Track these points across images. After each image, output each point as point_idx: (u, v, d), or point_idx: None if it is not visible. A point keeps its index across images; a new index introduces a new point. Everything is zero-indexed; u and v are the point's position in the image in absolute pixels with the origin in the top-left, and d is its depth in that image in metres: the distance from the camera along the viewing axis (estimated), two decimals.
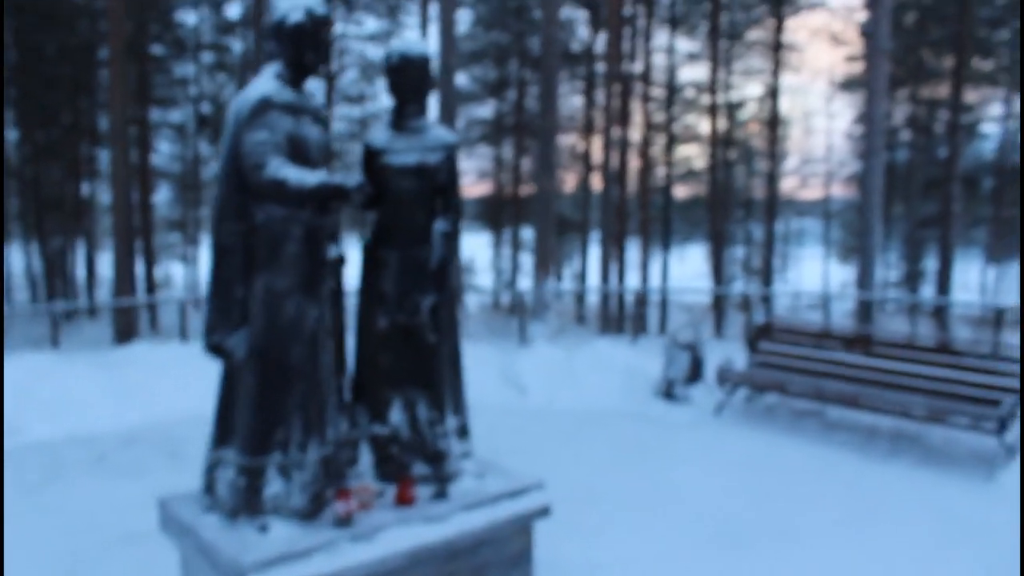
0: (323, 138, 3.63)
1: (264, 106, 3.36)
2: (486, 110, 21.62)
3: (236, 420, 3.47)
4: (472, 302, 18.62)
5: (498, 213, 21.30)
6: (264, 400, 3.42)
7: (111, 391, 7.56)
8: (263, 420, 3.42)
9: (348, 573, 3.25)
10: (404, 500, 3.66)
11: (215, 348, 3.50)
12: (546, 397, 9.09)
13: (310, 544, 3.26)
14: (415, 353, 3.89)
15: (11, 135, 17.11)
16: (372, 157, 3.91)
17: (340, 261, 3.73)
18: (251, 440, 3.41)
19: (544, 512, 3.95)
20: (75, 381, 7.68)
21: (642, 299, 13.94)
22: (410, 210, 3.88)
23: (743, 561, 4.61)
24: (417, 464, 3.90)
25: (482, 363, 9.86)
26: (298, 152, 3.46)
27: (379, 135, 3.94)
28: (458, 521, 3.64)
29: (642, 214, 19.02)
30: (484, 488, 3.90)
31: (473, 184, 21.67)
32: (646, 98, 18.69)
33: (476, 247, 21.29)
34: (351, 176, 3.62)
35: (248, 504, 3.41)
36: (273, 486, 3.44)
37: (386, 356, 3.90)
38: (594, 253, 19.82)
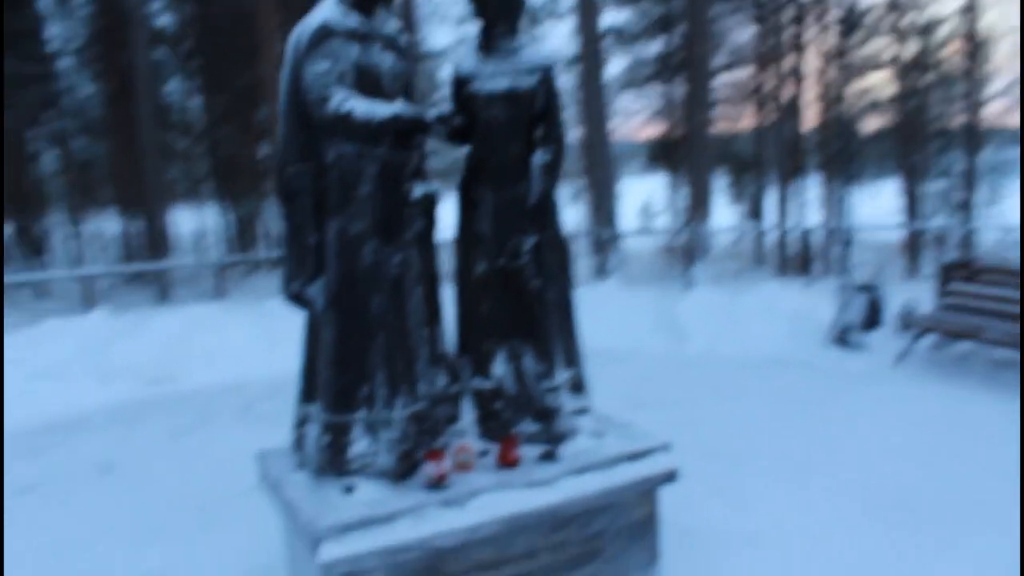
0: (399, 67, 3.26)
1: (324, 34, 3.03)
2: (654, 47, 20.58)
3: (319, 374, 3.22)
4: (644, 245, 17.94)
5: (671, 153, 20.33)
6: (344, 353, 3.14)
7: (264, 341, 7.74)
8: (345, 375, 3.15)
9: (437, 539, 2.94)
10: (507, 461, 3.30)
11: (295, 298, 3.26)
12: (706, 344, 8.45)
13: (395, 508, 2.97)
14: (517, 300, 3.48)
15: (196, 102, 18.19)
16: (460, 85, 3.50)
17: (429, 201, 3.37)
18: (334, 396, 3.16)
19: (670, 477, 3.46)
20: (233, 331, 7.93)
21: (823, 238, 12.78)
22: (503, 142, 3.45)
23: (920, 543, 3.87)
24: (524, 421, 3.52)
25: (640, 308, 9.35)
26: (368, 83, 3.11)
27: (466, 60, 3.53)
28: (567, 486, 3.23)
29: (823, 150, 17.47)
30: (600, 449, 3.46)
31: (645, 125, 20.79)
32: (823, 25, 16.99)
33: (653, 188, 20.57)
34: (432, 107, 3.24)
35: (333, 463, 3.17)
36: (359, 444, 3.18)
37: (486, 304, 3.52)
38: (772, 193, 18.53)
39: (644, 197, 19.45)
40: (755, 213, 20.74)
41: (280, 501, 3.20)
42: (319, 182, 3.17)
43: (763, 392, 6.56)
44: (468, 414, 3.60)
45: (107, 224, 18.28)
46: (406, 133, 3.16)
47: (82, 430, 6.20)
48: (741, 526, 4.09)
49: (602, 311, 9.11)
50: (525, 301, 3.47)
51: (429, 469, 3.10)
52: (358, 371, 3.15)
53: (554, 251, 3.55)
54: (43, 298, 14.07)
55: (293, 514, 3.04)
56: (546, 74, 3.46)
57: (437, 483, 3.11)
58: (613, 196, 11.28)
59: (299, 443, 3.33)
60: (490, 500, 3.09)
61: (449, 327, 3.61)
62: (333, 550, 2.81)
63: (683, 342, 8.54)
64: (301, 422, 3.33)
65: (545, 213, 3.45)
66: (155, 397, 6.93)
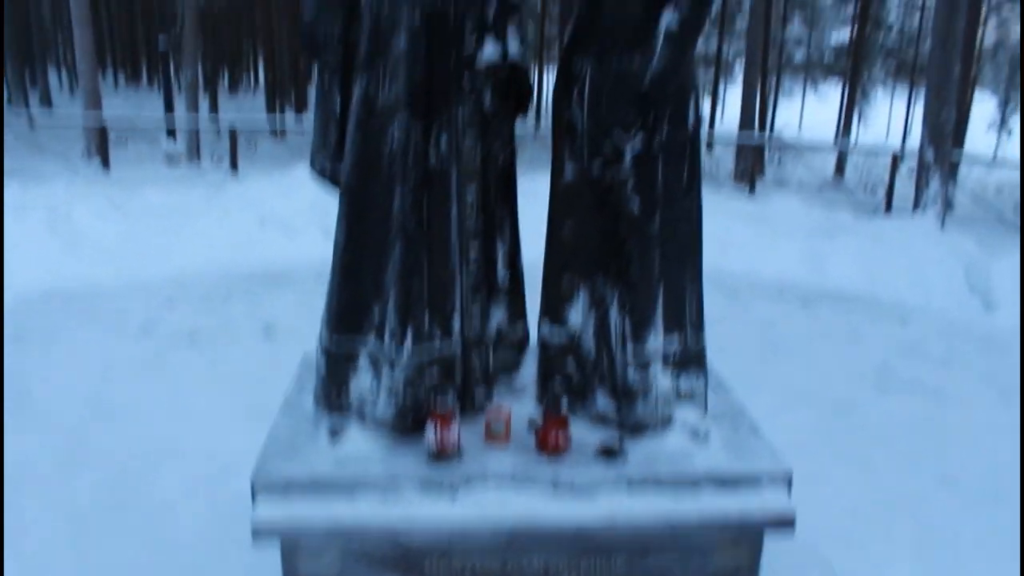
0: None
1: None
2: None
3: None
4: (995, 177, 14.62)
5: None
6: (352, 261, 2.43)
7: None
8: (351, 289, 2.45)
9: (406, 532, 2.22)
10: (545, 446, 2.42)
11: (321, 173, 2.58)
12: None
13: (362, 474, 2.28)
14: (611, 225, 2.47)
15: None
16: None
17: (506, 69, 2.44)
18: (335, 313, 2.48)
19: (781, 524, 2.35)
20: None
21: None
22: None
23: None
24: (599, 394, 2.58)
25: (948, 257, 7.42)
26: None
27: None
28: (609, 501, 2.29)
29: None
30: (689, 459, 2.44)
31: None
32: None
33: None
34: None
35: (328, 397, 2.54)
36: (362, 380, 2.50)
37: (570, 225, 2.55)
38: None
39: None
40: None
41: (272, 425, 2.65)
42: (350, 31, 2.40)
43: None
44: (532, 367, 2.75)
45: None
46: None
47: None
48: None
49: (898, 252, 7.40)
50: (622, 229, 2.45)
51: (429, 435, 2.35)
52: (370, 286, 2.43)
53: (676, 161, 2.46)
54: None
55: (266, 446, 2.47)
56: None
57: (437, 455, 2.35)
58: (951, 104, 8.93)
59: None
60: (491, 496, 2.26)
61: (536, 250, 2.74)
62: (268, 510, 2.22)
63: (990, 311, 6.61)
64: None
65: (666, 102, 2.36)
66: None
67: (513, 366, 2.76)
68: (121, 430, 3.85)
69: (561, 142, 2.54)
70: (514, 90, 2.54)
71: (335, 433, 2.45)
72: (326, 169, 2.54)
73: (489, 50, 2.39)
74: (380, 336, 2.44)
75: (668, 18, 2.29)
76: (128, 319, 5.51)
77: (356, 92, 2.36)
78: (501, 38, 2.43)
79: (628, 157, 2.38)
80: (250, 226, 7.06)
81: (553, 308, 2.62)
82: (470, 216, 2.46)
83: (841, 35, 28.79)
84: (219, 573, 2.80)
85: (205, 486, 3.33)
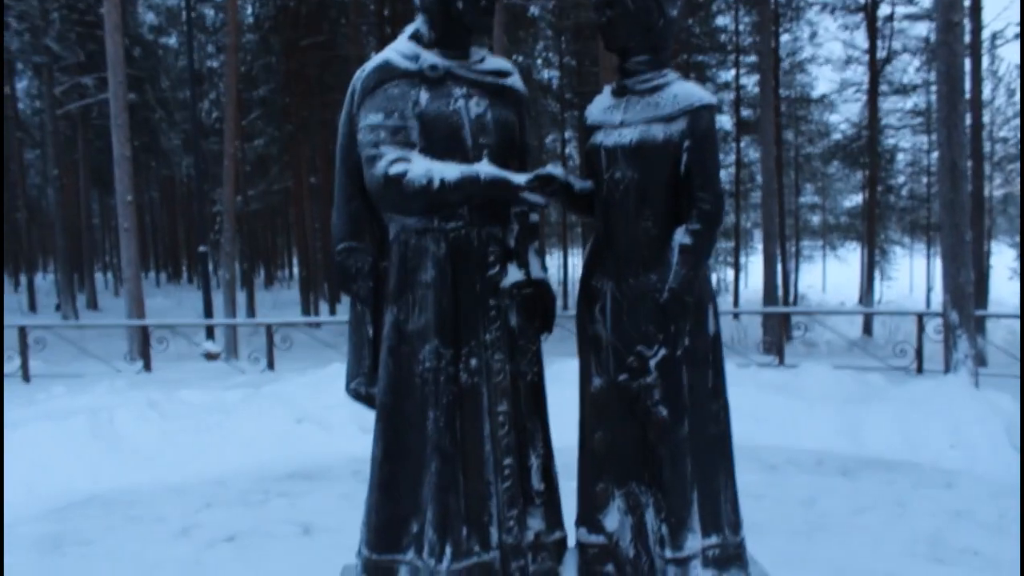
0: (495, 115, 2.57)
1: (383, 76, 2.45)
2: None
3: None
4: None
5: None
6: (390, 479, 2.52)
7: None
8: (390, 506, 2.53)
9: None
10: None
11: (356, 396, 2.71)
12: None
13: None
14: (641, 432, 2.57)
15: None
16: (588, 136, 2.69)
17: (523, 288, 2.62)
18: (375, 529, 2.55)
19: None
20: None
21: None
22: (629, 214, 2.56)
23: None
24: None
25: (987, 415, 7.31)
26: (442, 137, 2.47)
27: (597, 102, 2.71)
28: None
29: None
30: None
31: None
32: None
33: None
34: (551, 166, 2.50)
35: None
36: None
37: (601, 433, 2.64)
38: None
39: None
40: None
41: None
42: (380, 262, 2.61)
43: None
44: (572, 572, 2.75)
45: None
46: (488, 202, 2.47)
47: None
48: None
49: (935, 414, 7.32)
50: (650, 435, 2.54)
51: None
52: (408, 503, 2.51)
53: (700, 367, 2.57)
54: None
55: None
56: (698, 120, 2.48)
57: None
58: (968, 265, 9.08)
59: None
60: None
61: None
62: None
63: None
64: None
65: (685, 315, 2.51)
66: None
67: (553, 572, 2.76)
68: None
69: (587, 355, 2.68)
70: (539, 308, 2.70)
71: None
72: (361, 392, 2.68)
73: (512, 273, 2.58)
74: (419, 550, 2.49)
75: (680, 236, 2.49)
76: (167, 522, 5.54)
77: (387, 319, 2.54)
78: (523, 260, 2.63)
79: (653, 366, 2.50)
80: (287, 423, 7.19)
81: (589, 515, 2.66)
82: (503, 431, 2.56)
83: (854, 199, 29.77)
84: None
85: None
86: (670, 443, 2.50)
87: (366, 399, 2.68)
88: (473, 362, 2.50)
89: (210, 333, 13.75)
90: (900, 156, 27.88)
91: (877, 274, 23.76)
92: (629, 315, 2.54)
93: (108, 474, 6.46)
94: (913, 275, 32.63)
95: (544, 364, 2.77)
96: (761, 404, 7.35)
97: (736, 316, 18.96)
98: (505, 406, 2.57)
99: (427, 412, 2.47)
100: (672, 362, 2.51)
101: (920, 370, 9.87)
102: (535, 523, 2.69)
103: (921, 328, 10.22)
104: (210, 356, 13.03)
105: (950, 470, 6.58)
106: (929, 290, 22.45)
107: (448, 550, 2.43)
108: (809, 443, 7.20)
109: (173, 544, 5.16)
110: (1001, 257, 23.66)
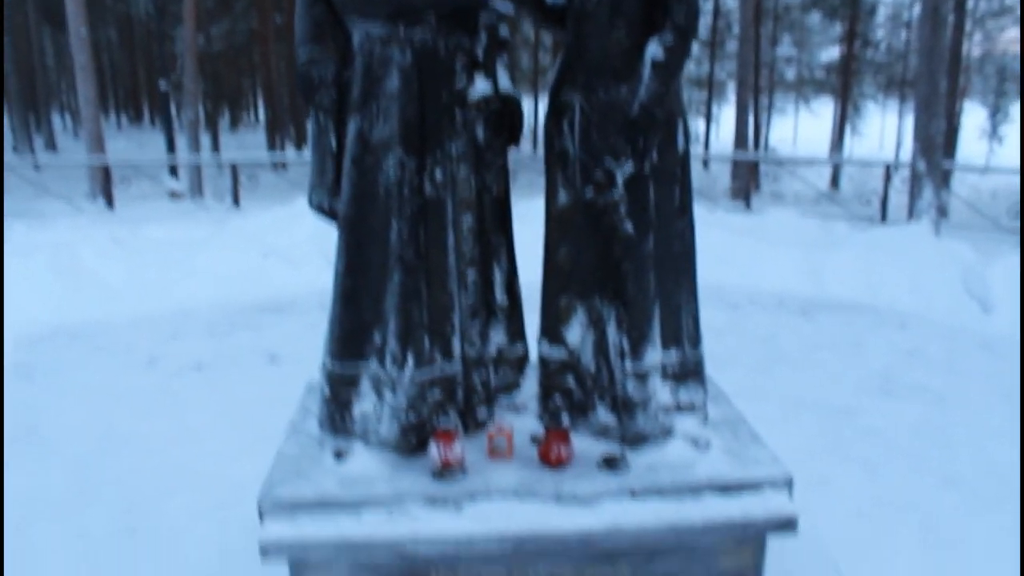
0: None
1: None
2: None
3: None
4: (990, 183, 14.70)
5: None
6: (353, 289, 2.50)
7: None
8: (352, 315, 2.53)
9: (414, 545, 2.26)
10: (547, 459, 2.48)
11: (319, 210, 2.65)
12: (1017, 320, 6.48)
13: (368, 493, 2.33)
14: (605, 248, 2.55)
15: None
16: None
17: (498, 103, 2.53)
18: (338, 339, 2.55)
19: (784, 526, 2.39)
20: None
21: None
22: (602, 24, 2.43)
23: None
24: (599, 409, 2.64)
25: (944, 263, 7.46)
26: None
27: None
28: (613, 510, 2.34)
29: None
30: (690, 467, 2.49)
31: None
32: None
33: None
34: None
35: (332, 420, 2.60)
36: (365, 403, 2.56)
37: (565, 248, 2.62)
38: None
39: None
40: None
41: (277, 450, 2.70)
42: (343, 72, 2.49)
43: None
44: (533, 385, 2.80)
45: None
46: (455, 10, 2.34)
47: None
48: None
49: (895, 260, 7.46)
50: (617, 251, 2.52)
51: (432, 452, 2.40)
52: (370, 312, 2.50)
53: (667, 184, 2.53)
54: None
55: (272, 468, 2.52)
56: None
57: (441, 471, 2.40)
58: (940, 116, 9.01)
59: None
60: (497, 508, 2.32)
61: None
62: (275, 529, 2.27)
63: (988, 314, 6.64)
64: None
65: (655, 129, 2.43)
66: None
67: (514, 385, 2.82)
68: (131, 459, 3.91)
69: (554, 170, 2.61)
70: (506, 122, 2.62)
71: (340, 454, 2.51)
72: (324, 204, 2.61)
73: (480, 85, 2.47)
74: (382, 360, 2.50)
75: (653, 48, 2.38)
76: (134, 353, 5.58)
77: (351, 130, 2.45)
78: (491, 73, 2.52)
79: (620, 182, 2.45)
80: (253, 258, 7.14)
81: (552, 328, 2.68)
82: (467, 243, 2.53)
83: (831, 53, 29.13)
84: None
85: (215, 510, 3.38)
86: (634, 259, 2.49)
87: (329, 213, 2.62)
88: (438, 173, 2.43)
89: (174, 172, 13.41)
90: (881, 10, 27.13)
91: (848, 129, 23.61)
92: (598, 129, 2.46)
93: (73, 308, 6.44)
94: (884, 133, 32.51)
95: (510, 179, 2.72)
96: (726, 246, 7.43)
97: (706, 164, 18.84)
98: (470, 219, 2.54)
99: (391, 223, 2.42)
100: (639, 178, 2.46)
101: (884, 218, 9.97)
102: (497, 337, 2.72)
103: (888, 178, 10.25)
104: (174, 195, 12.77)
105: (906, 313, 6.78)
106: (899, 146, 22.43)
107: (410, 359, 2.45)
108: (771, 284, 7.34)
109: (141, 373, 5.22)
110: (973, 116, 23.56)
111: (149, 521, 3.34)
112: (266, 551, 2.24)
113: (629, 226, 2.48)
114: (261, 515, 2.29)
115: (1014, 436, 4.29)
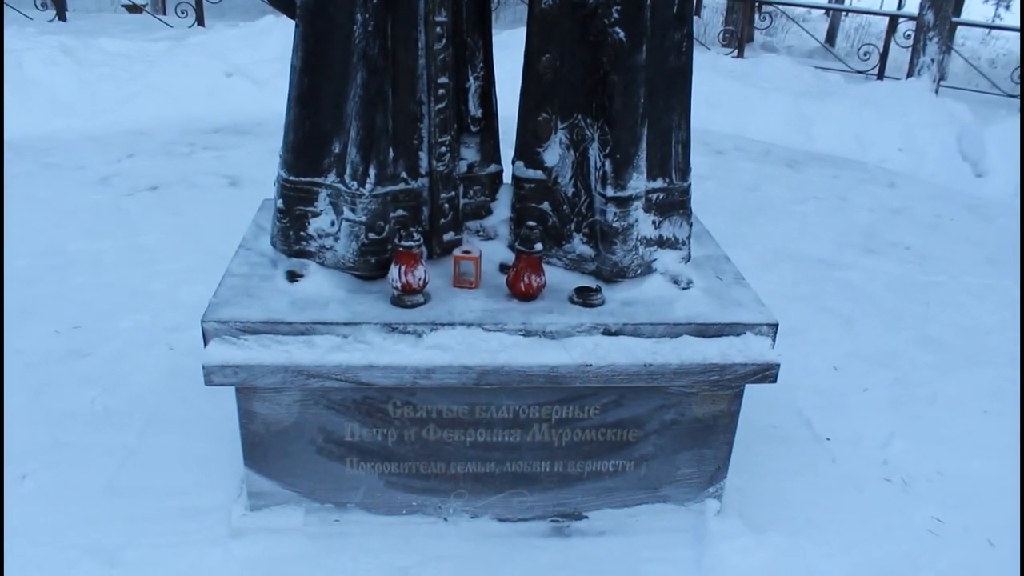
0: None
1: None
2: None
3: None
4: (994, 47, 14.17)
5: None
6: (310, 92, 2.21)
7: None
8: (309, 121, 2.25)
9: (367, 373, 2.09)
10: (515, 288, 2.28)
11: (276, 3, 2.31)
12: (1012, 187, 6.31)
13: (319, 317, 2.13)
14: (593, 56, 2.25)
15: None
16: None
17: None
18: (293, 148, 2.29)
19: (763, 375, 2.25)
20: None
21: None
22: None
23: None
24: (575, 238, 2.43)
25: (941, 123, 7.18)
26: None
27: None
28: (581, 346, 2.17)
29: None
30: (669, 305, 2.31)
31: None
32: None
33: None
34: None
35: (285, 237, 2.37)
36: (321, 220, 2.32)
37: (548, 57, 2.31)
38: None
39: None
40: None
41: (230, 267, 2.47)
42: None
43: None
44: (505, 209, 2.57)
45: None
46: None
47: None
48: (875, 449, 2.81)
49: (889, 116, 7.17)
50: (603, 60, 2.23)
51: (392, 275, 2.19)
52: (329, 119, 2.22)
53: None
54: None
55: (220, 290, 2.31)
56: None
57: (401, 296, 2.21)
58: None
59: None
60: (459, 339, 2.14)
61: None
62: (221, 352, 2.08)
63: (979, 177, 6.46)
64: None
65: None
66: None
67: (484, 209, 2.58)
68: (79, 278, 3.69)
69: None
70: None
71: (293, 275, 2.30)
72: None
73: None
74: (341, 173, 2.25)
75: None
76: (86, 171, 5.25)
77: None
78: None
79: None
80: (215, 77, 6.67)
81: (529, 148, 2.42)
82: (439, 44, 2.22)
83: None
84: (177, 420, 2.71)
85: (166, 333, 3.21)
86: (624, 70, 2.21)
87: (286, 3, 2.28)
88: None
89: None
90: None
91: None
92: None
93: (20, 121, 6.01)
94: None
95: None
96: (715, 89, 7.07)
97: (698, 10, 17.93)
98: (444, 16, 2.22)
99: (354, 15, 2.10)
100: None
101: (882, 74, 9.58)
102: (469, 153, 2.47)
103: (892, 30, 9.76)
104: (133, 9, 11.91)
105: (895, 171, 6.58)
106: (900, 3, 21.50)
107: (372, 172, 2.20)
108: (759, 133, 7.06)
109: (92, 191, 4.92)
110: None
111: (95, 341, 3.17)
112: (210, 375, 2.06)
113: (621, 32, 2.18)
114: (205, 337, 2.10)
115: (993, 298, 4.20)
